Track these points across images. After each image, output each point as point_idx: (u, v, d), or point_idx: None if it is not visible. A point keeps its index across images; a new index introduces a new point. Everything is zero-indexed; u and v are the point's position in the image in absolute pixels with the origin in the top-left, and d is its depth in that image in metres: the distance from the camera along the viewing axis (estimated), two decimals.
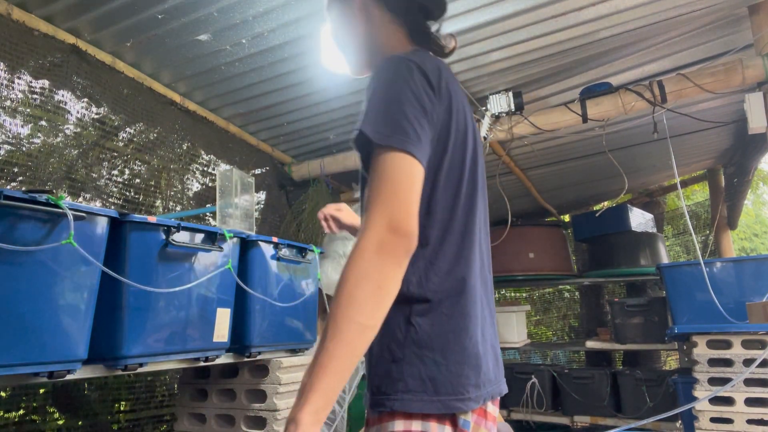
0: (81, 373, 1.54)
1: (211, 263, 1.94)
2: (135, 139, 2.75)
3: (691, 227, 3.24)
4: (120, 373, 1.67)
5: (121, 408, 2.64)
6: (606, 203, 5.67)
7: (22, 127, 2.23)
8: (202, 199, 3.11)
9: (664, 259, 4.49)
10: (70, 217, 1.42)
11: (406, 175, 0.85)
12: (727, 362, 2.49)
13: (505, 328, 4.40)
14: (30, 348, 1.38)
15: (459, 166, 0.98)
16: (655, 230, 4.80)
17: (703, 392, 2.47)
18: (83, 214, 1.49)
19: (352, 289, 0.80)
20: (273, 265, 2.27)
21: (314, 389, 0.78)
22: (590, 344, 4.19)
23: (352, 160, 3.46)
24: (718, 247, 5.28)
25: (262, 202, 3.60)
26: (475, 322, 0.96)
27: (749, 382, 2.42)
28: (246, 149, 3.43)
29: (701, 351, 2.55)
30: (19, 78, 2.19)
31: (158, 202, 2.86)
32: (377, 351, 0.95)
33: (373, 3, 1.10)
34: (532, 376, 4.11)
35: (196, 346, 1.90)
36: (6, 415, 2.21)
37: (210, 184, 3.13)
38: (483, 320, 1.00)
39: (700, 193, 7.13)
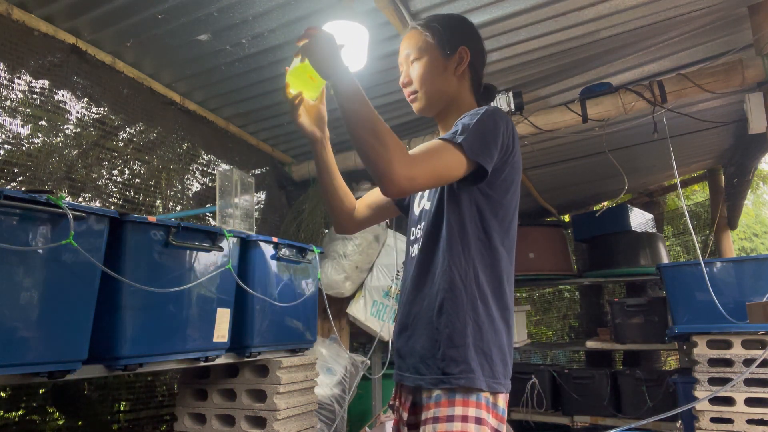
0: (81, 373, 1.54)
1: (211, 263, 1.94)
2: (135, 139, 2.75)
3: (691, 227, 3.23)
4: (120, 373, 1.67)
5: (121, 408, 2.64)
6: (606, 203, 5.67)
7: (22, 127, 2.23)
8: (202, 199, 3.11)
9: (664, 259, 4.48)
10: (70, 217, 1.42)
11: (455, 174, 1.11)
12: (727, 362, 2.49)
13: None
14: (30, 348, 1.38)
15: (517, 199, 1.27)
16: (655, 230, 4.79)
17: (703, 392, 2.47)
18: (83, 214, 1.49)
19: (372, 132, 1.05)
20: (273, 265, 2.27)
21: (346, 82, 1.08)
22: (590, 344, 4.19)
23: (352, 160, 3.45)
24: (718, 247, 5.28)
25: (262, 202, 3.60)
26: (511, 330, 1.21)
27: (749, 382, 2.42)
28: (246, 149, 3.43)
29: (701, 351, 2.54)
30: (19, 78, 2.19)
31: (158, 202, 2.86)
32: (441, 336, 1.15)
33: (468, 72, 1.34)
34: (532, 376, 4.10)
35: (196, 346, 1.90)
36: (6, 415, 2.21)
37: (210, 184, 3.13)
38: (513, 328, 1.24)
39: (700, 193, 7.13)
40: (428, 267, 1.23)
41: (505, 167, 1.20)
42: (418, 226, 1.32)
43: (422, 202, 1.34)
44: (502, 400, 1.16)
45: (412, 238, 1.34)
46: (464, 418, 1.09)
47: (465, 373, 1.11)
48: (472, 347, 1.13)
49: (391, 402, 1.34)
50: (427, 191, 1.32)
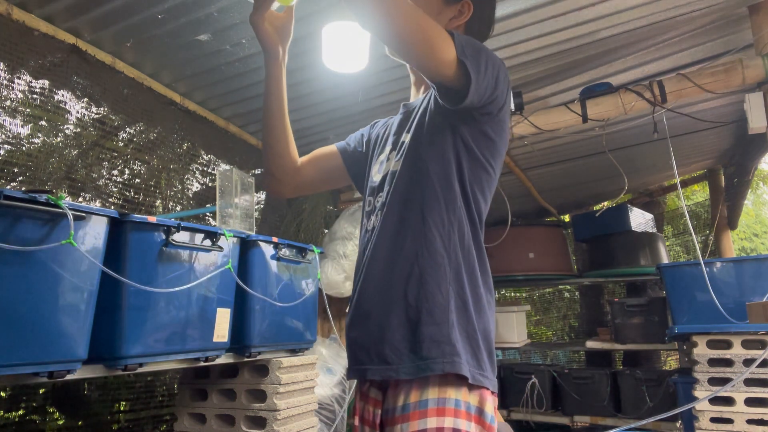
0: (81, 373, 1.54)
1: (211, 263, 1.94)
2: (135, 139, 2.75)
3: (691, 227, 3.23)
4: (120, 373, 1.67)
5: (121, 408, 2.64)
6: (606, 203, 5.67)
7: (22, 127, 2.23)
8: (202, 199, 3.11)
9: (664, 259, 4.49)
10: (70, 217, 1.42)
11: (441, 54, 0.92)
12: (727, 362, 2.49)
13: (505, 328, 4.40)
14: (30, 348, 1.38)
15: (497, 178, 1.11)
16: (655, 230, 4.79)
17: (703, 392, 2.47)
18: (83, 214, 1.49)
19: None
20: (273, 265, 2.27)
21: None
22: (590, 344, 4.19)
23: None
24: (718, 247, 5.28)
25: (262, 202, 3.60)
26: (494, 316, 1.03)
27: (749, 382, 2.42)
28: (246, 149, 3.43)
29: (701, 351, 2.54)
30: (19, 78, 2.19)
31: (158, 202, 2.86)
32: (417, 313, 0.96)
33: (465, 26, 1.18)
34: (532, 376, 4.11)
35: (196, 346, 1.90)
36: (6, 415, 2.21)
37: (210, 184, 3.13)
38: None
39: (700, 193, 7.13)
40: (396, 235, 1.02)
41: (492, 122, 1.04)
42: (380, 194, 1.12)
43: (385, 167, 1.16)
44: (491, 403, 0.96)
45: (368, 208, 1.15)
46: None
47: (450, 356, 0.91)
48: (456, 326, 0.94)
49: (352, 421, 1.08)
50: (395, 153, 1.14)
